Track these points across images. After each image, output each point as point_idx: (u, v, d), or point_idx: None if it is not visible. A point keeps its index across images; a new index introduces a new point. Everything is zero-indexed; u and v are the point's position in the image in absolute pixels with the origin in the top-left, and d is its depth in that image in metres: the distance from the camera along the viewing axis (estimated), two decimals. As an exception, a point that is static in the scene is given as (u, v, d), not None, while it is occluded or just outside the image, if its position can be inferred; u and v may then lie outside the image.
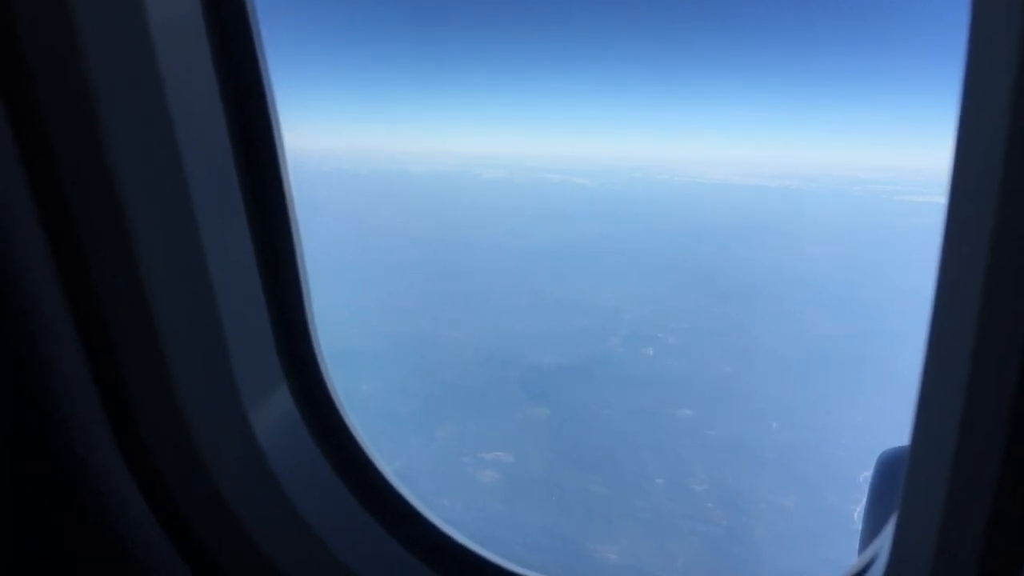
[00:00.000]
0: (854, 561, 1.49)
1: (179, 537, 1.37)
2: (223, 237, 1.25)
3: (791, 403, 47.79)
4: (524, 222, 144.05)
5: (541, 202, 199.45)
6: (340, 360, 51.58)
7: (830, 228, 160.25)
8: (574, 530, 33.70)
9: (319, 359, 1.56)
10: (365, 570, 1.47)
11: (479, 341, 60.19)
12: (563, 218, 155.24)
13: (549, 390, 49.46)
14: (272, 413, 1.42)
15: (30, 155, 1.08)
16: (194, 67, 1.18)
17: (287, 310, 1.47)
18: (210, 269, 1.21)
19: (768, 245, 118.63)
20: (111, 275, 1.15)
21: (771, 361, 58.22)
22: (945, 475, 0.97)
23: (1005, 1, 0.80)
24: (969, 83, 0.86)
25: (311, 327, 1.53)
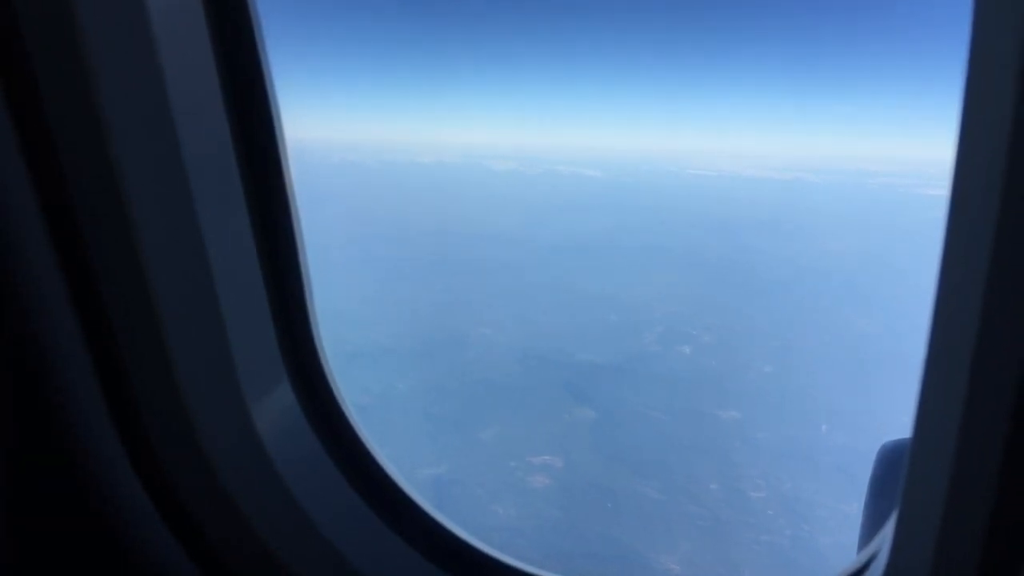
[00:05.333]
0: (854, 558, 1.46)
1: (181, 532, 1.37)
2: (224, 232, 1.26)
3: (836, 404, 46.81)
4: (538, 215, 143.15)
5: (553, 195, 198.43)
6: (372, 359, 51.17)
7: (849, 222, 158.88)
8: (632, 538, 32.82)
9: (321, 355, 1.54)
10: (366, 564, 1.47)
11: (511, 338, 59.26)
12: (576, 211, 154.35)
13: (591, 390, 48.54)
14: (274, 409, 1.42)
15: (31, 149, 1.08)
16: (194, 59, 1.17)
17: (289, 306, 1.45)
18: (212, 265, 1.21)
19: (787, 239, 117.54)
20: (113, 271, 1.16)
21: (810, 360, 57.22)
22: (946, 471, 0.97)
23: (1007, 2, 0.81)
24: (971, 81, 0.87)
25: (313, 323, 1.51)
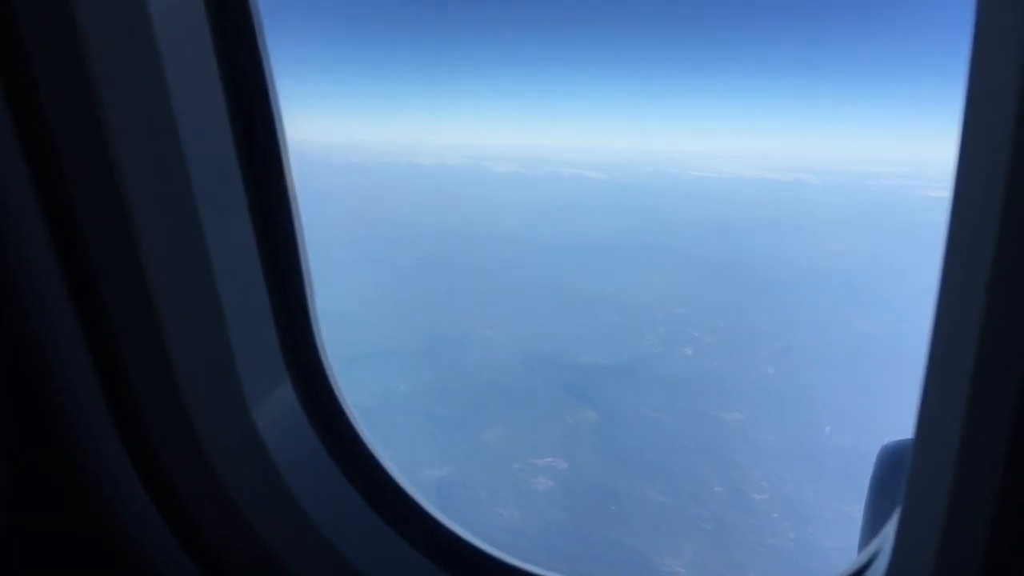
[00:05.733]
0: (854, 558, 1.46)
1: (182, 532, 1.37)
2: (226, 233, 1.26)
3: (839, 405, 46.67)
4: (539, 216, 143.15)
5: (555, 196, 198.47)
6: (373, 360, 51.04)
7: (851, 223, 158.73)
8: (637, 541, 32.70)
9: (322, 355, 1.54)
10: (367, 564, 1.46)
11: (512, 340, 59.20)
12: (578, 212, 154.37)
13: (594, 392, 48.46)
14: (275, 409, 1.42)
15: (32, 151, 1.08)
16: (196, 60, 1.17)
17: (290, 306, 1.45)
18: (213, 265, 1.21)
19: (789, 240, 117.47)
20: (114, 271, 1.16)
21: (812, 362, 57.13)
22: (949, 470, 0.97)
23: (1009, 2, 0.81)
24: (973, 81, 0.87)
25: (314, 323, 1.51)
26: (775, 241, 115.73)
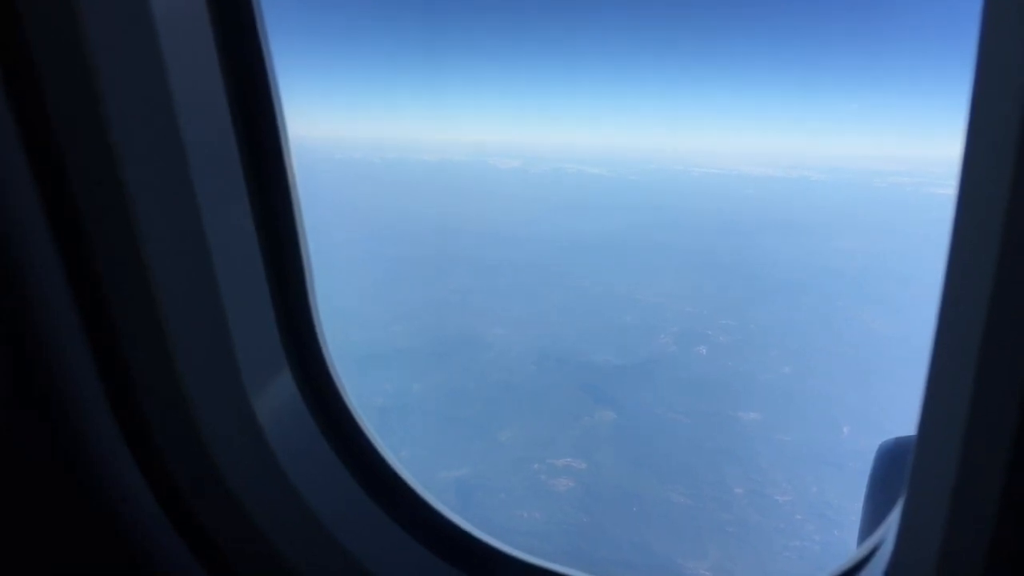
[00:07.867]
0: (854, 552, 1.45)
1: (180, 523, 1.38)
2: (226, 224, 1.27)
3: (856, 406, 46.33)
4: (545, 214, 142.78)
5: (560, 193, 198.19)
6: (385, 359, 50.59)
7: (857, 221, 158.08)
8: (661, 544, 32.34)
9: (322, 346, 1.55)
10: (367, 556, 1.47)
11: (524, 339, 58.80)
12: (584, 209, 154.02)
13: (610, 391, 48.07)
14: (275, 400, 1.43)
15: (34, 146, 1.09)
16: (198, 56, 1.18)
17: (290, 297, 1.47)
18: (213, 257, 1.22)
19: (795, 238, 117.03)
20: (115, 262, 1.16)
21: (826, 360, 56.72)
22: (952, 463, 0.98)
23: (1017, 0, 0.82)
24: (979, 78, 0.87)
25: (314, 314, 1.52)
26: (781, 238, 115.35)
